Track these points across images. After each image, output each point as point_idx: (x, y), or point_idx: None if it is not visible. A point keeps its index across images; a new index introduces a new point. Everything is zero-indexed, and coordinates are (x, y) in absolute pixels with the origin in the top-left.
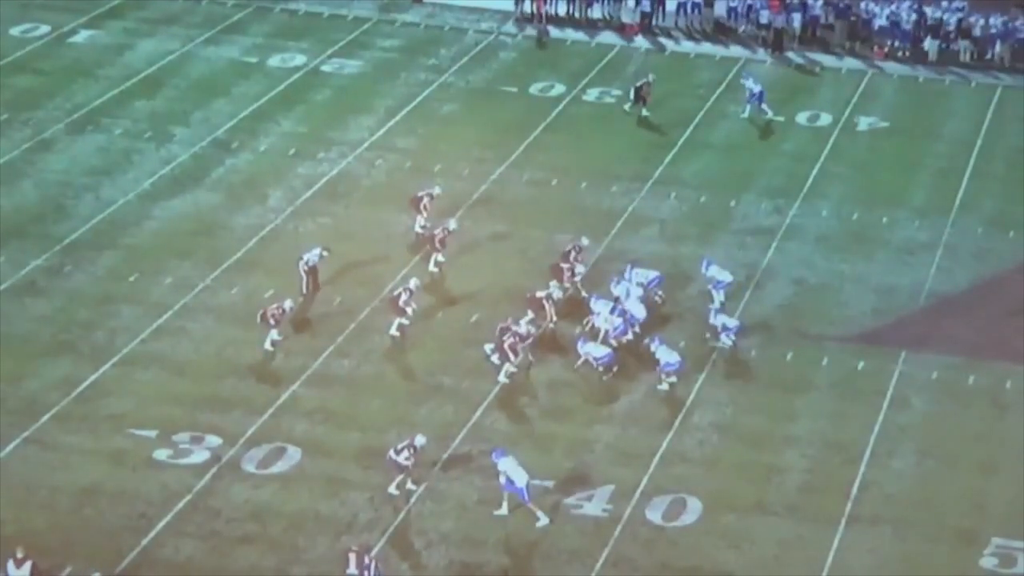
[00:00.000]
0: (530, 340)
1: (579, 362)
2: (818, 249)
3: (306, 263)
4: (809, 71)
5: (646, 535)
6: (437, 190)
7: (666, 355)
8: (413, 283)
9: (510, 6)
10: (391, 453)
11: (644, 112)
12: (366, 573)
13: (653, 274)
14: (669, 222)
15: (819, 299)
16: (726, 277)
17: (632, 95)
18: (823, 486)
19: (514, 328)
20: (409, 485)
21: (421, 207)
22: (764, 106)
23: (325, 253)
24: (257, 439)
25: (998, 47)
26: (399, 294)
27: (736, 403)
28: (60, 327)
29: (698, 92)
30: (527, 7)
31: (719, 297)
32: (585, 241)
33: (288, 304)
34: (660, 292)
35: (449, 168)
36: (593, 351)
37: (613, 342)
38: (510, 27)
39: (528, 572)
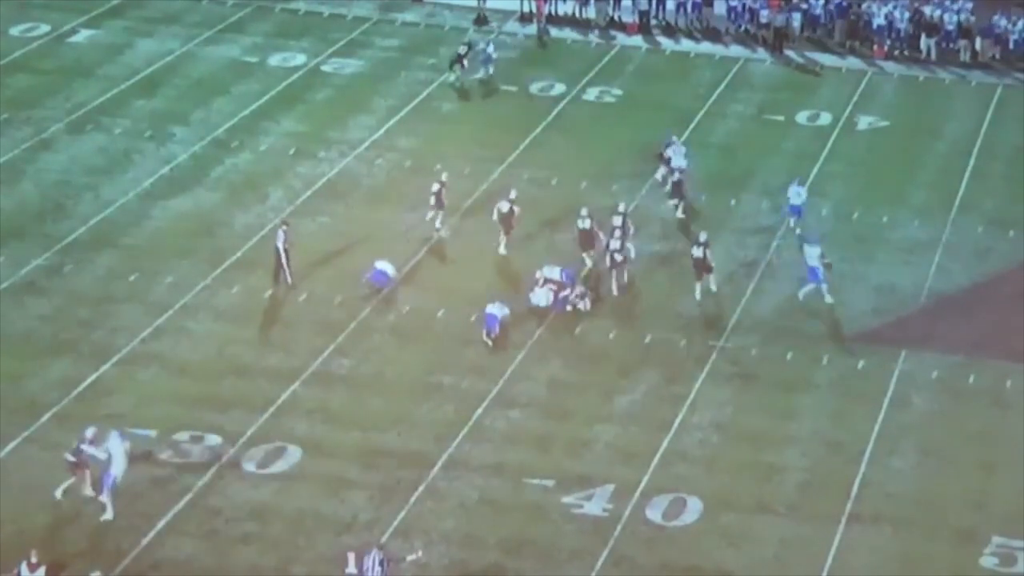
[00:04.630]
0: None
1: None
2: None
3: (280, 246)
4: (809, 70)
5: (646, 534)
6: (444, 177)
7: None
8: (444, 176)
9: (510, 5)
10: (66, 454)
11: (454, 76)
12: (367, 573)
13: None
14: (669, 222)
15: (819, 299)
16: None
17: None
18: (823, 485)
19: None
20: (87, 491)
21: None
22: (490, 67)
23: (285, 228)
24: (257, 439)
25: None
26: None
27: (736, 403)
28: (60, 327)
29: (698, 92)
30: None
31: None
32: (621, 206)
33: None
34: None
35: (449, 167)
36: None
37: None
38: (511, 26)
39: (528, 572)
